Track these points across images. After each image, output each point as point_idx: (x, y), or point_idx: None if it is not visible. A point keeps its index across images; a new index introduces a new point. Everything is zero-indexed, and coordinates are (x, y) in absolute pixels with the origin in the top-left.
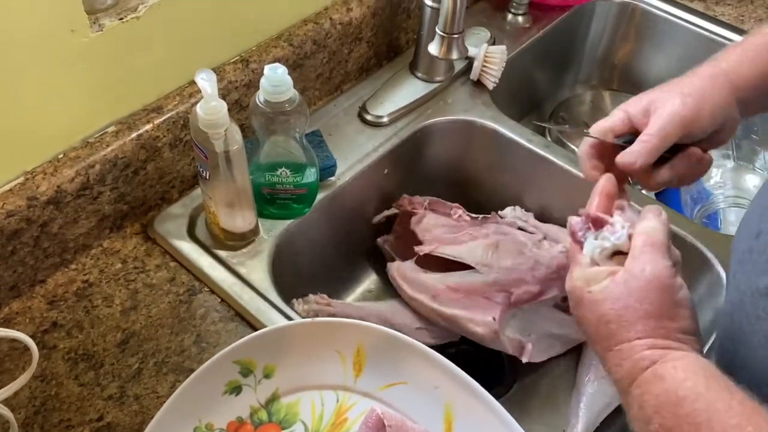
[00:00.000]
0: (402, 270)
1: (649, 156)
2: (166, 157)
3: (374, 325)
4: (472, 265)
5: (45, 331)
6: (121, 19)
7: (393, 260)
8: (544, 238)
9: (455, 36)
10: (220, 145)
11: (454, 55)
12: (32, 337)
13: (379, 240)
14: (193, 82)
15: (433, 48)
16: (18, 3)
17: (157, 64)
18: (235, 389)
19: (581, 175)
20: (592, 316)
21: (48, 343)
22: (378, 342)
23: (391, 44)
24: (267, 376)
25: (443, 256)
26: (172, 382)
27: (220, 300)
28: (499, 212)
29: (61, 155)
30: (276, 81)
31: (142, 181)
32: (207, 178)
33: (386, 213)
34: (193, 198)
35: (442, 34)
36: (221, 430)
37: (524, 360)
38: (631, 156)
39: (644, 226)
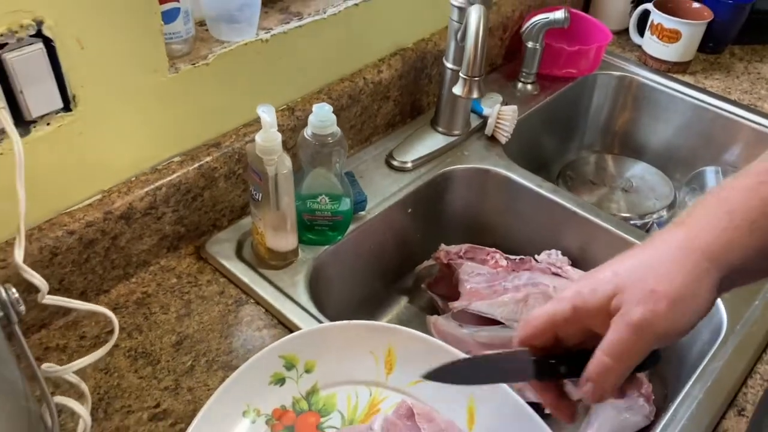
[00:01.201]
0: (438, 325)
1: (612, 382)
2: (221, 187)
3: (404, 328)
4: (502, 321)
5: (109, 332)
6: (193, 64)
7: (438, 305)
8: None
9: (476, 78)
10: (272, 169)
11: (475, 94)
12: (96, 337)
13: (423, 285)
14: (247, 124)
15: (458, 89)
16: (115, 44)
17: (220, 105)
18: (280, 380)
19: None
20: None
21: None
22: (407, 343)
23: (414, 104)
24: (308, 371)
25: (476, 312)
26: (222, 377)
27: (264, 310)
28: (536, 256)
29: (134, 178)
30: (323, 116)
31: (199, 206)
32: (259, 200)
33: (426, 264)
34: (240, 226)
35: (465, 77)
36: (267, 415)
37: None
38: (588, 390)
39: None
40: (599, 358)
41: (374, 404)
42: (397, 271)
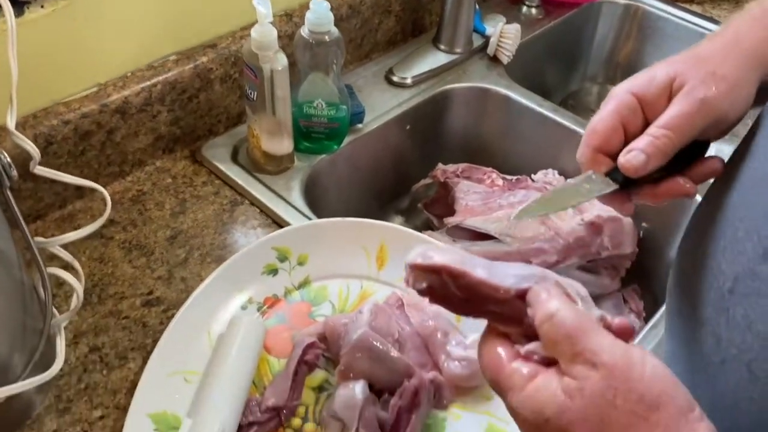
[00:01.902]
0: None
1: (664, 157)
2: (217, 90)
3: (396, 225)
4: (496, 236)
5: (103, 226)
6: None
7: (434, 225)
8: None
9: None
10: (267, 67)
11: None
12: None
13: (420, 205)
14: (245, 27)
15: None
16: None
17: (218, 5)
18: (272, 271)
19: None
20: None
21: (106, 235)
22: (400, 239)
23: (416, 22)
24: (300, 263)
25: (470, 227)
26: (215, 269)
27: (259, 211)
28: (532, 176)
29: (129, 74)
30: (320, 13)
31: (195, 109)
32: (254, 99)
33: (423, 182)
34: (236, 133)
35: None
36: (258, 302)
37: None
38: (637, 159)
39: (549, 314)
40: (652, 130)
41: (365, 296)
42: (393, 191)
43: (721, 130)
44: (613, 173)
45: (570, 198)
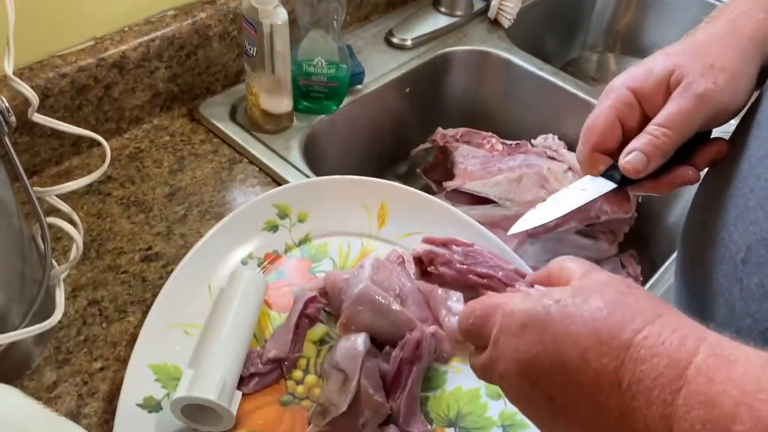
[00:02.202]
0: None
1: (664, 156)
2: (215, 48)
3: (397, 184)
4: (495, 200)
5: (101, 182)
6: None
7: (433, 191)
8: (569, 168)
9: None
10: (267, 22)
11: None
12: (88, 185)
13: (418, 170)
14: None
15: None
16: None
17: None
18: (273, 228)
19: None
20: (580, 323)
21: (103, 191)
22: (401, 198)
23: None
24: (301, 220)
25: (469, 191)
26: (216, 224)
27: (258, 169)
28: (532, 141)
29: (126, 28)
30: None
31: (193, 66)
32: (253, 55)
33: (422, 147)
34: (234, 92)
35: None
36: (259, 258)
37: None
38: (637, 160)
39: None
40: (651, 128)
41: (365, 253)
42: (391, 155)
43: (722, 121)
44: (611, 171)
45: (568, 202)
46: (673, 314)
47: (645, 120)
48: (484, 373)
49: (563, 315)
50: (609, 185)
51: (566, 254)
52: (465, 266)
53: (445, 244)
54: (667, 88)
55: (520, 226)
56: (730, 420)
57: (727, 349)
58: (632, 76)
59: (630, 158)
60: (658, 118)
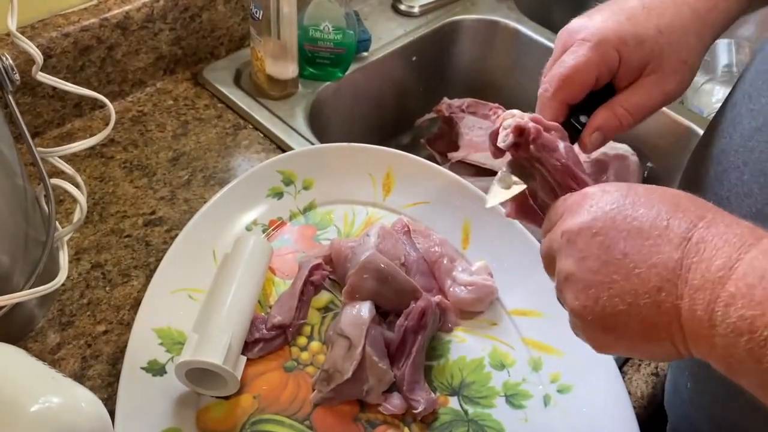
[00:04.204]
0: None
1: (612, 136)
2: (220, 11)
3: (403, 152)
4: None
5: (104, 145)
6: None
7: (437, 162)
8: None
9: None
10: None
11: None
12: (91, 148)
13: (423, 140)
14: None
15: None
16: None
17: None
18: (278, 194)
19: None
20: (661, 191)
21: (106, 154)
22: (406, 166)
23: None
24: (306, 188)
25: (474, 163)
26: (220, 190)
27: (263, 135)
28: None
29: None
30: None
31: (197, 29)
32: (259, 18)
33: (427, 117)
34: (239, 57)
35: None
36: (263, 224)
37: None
38: (599, 141)
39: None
40: (620, 112)
41: (370, 222)
42: (396, 125)
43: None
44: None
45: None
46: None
47: (610, 75)
48: (550, 242)
49: (647, 189)
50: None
51: None
52: (566, 161)
53: (552, 129)
54: (645, 66)
55: (492, 201)
56: None
57: None
58: (622, 39)
59: (593, 139)
60: (628, 101)
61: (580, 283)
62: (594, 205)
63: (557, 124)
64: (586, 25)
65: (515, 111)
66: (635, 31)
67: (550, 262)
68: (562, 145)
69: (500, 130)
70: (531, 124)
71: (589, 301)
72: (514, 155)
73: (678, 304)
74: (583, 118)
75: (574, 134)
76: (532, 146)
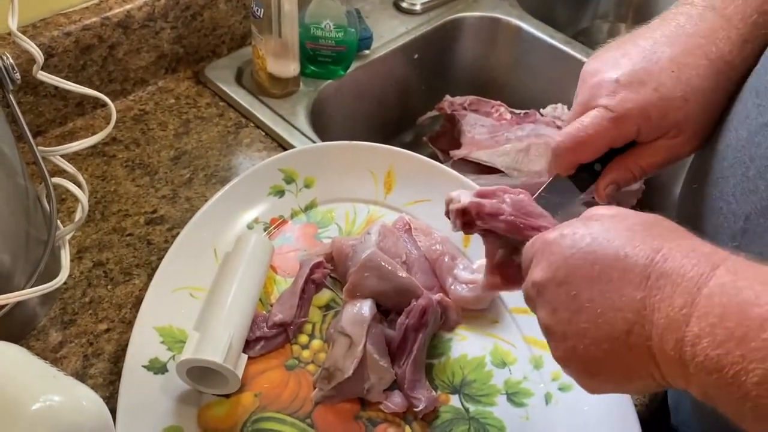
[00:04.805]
0: None
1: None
2: (222, 9)
3: (404, 150)
4: (502, 169)
5: (105, 144)
6: None
7: (439, 160)
8: None
9: None
10: None
11: None
12: (93, 147)
13: (425, 138)
14: None
15: None
16: None
17: None
18: (279, 192)
19: None
20: (617, 228)
21: (108, 153)
22: (408, 164)
23: None
24: (307, 186)
25: (476, 161)
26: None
27: (264, 134)
28: (541, 110)
29: None
30: None
31: (198, 27)
32: (260, 17)
33: (429, 115)
34: (241, 55)
35: None
36: (265, 223)
37: None
38: (613, 193)
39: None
40: (634, 168)
41: (372, 220)
42: (398, 123)
43: None
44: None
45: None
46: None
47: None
48: (527, 291)
49: (602, 225)
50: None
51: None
52: (516, 217)
53: (494, 193)
54: (667, 133)
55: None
56: (749, 304)
57: (757, 262)
58: (645, 114)
59: (608, 191)
60: (645, 161)
61: (556, 334)
62: (555, 253)
63: (497, 188)
64: (613, 79)
65: (453, 194)
66: (661, 104)
67: (532, 309)
68: (506, 203)
69: (450, 216)
70: (468, 203)
71: (568, 352)
72: (469, 232)
73: (649, 344)
74: (597, 166)
75: (589, 179)
76: (478, 222)
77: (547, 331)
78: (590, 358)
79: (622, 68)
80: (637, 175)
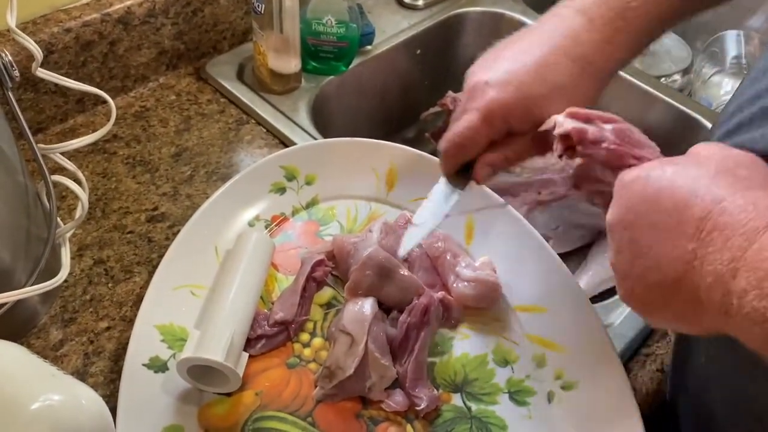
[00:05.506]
0: None
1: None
2: (222, 5)
3: (406, 147)
4: None
5: (106, 141)
6: None
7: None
8: None
9: None
10: None
11: None
12: (94, 144)
13: (427, 134)
14: None
15: None
16: None
17: None
18: (280, 190)
19: None
20: (680, 180)
21: (109, 150)
22: (409, 161)
23: None
24: (308, 183)
25: None
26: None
27: (265, 130)
28: None
29: None
30: None
31: (199, 23)
32: (261, 12)
33: (431, 111)
34: (242, 51)
35: None
36: (266, 220)
37: None
38: (487, 175)
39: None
40: (509, 154)
41: (374, 217)
42: (400, 119)
43: None
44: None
45: (433, 218)
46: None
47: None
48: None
49: (683, 168)
50: (456, 192)
51: (576, 221)
52: (619, 146)
53: (589, 119)
54: (538, 123)
55: (406, 250)
56: None
57: None
58: (508, 111)
59: (483, 171)
60: (516, 145)
61: (618, 273)
62: (625, 196)
63: (596, 113)
64: (483, 81)
65: (558, 118)
66: (523, 102)
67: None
68: (608, 131)
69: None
70: (570, 128)
71: (628, 291)
72: (571, 158)
73: (698, 294)
74: None
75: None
76: (578, 148)
77: (613, 268)
78: (646, 300)
79: (493, 71)
80: (511, 158)
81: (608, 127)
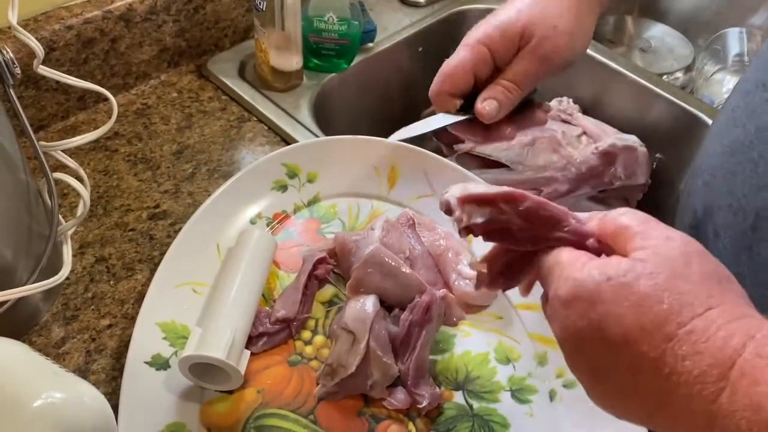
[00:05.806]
0: None
1: (512, 105)
2: (224, 2)
3: (408, 145)
4: (507, 164)
5: (107, 138)
6: None
7: (443, 153)
8: (584, 133)
9: None
10: None
11: None
12: (95, 142)
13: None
14: None
15: None
16: None
17: None
18: (282, 187)
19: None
20: (626, 306)
21: (110, 147)
22: (411, 160)
23: None
24: (310, 180)
25: (480, 155)
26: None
27: (267, 128)
28: (546, 103)
29: None
30: None
31: (201, 20)
32: (263, 9)
33: (433, 108)
34: (243, 48)
35: None
36: (268, 218)
37: None
38: (491, 107)
39: (617, 214)
40: (503, 83)
41: (375, 215)
42: (402, 116)
43: (563, 69)
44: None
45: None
46: (727, 304)
47: (496, 69)
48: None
49: (612, 293)
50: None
51: None
52: (529, 233)
53: (487, 202)
54: (518, 45)
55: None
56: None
57: None
58: (488, 34)
59: (486, 105)
60: (509, 73)
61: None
62: (569, 317)
63: (497, 193)
64: (480, 24)
65: (450, 199)
66: (497, 24)
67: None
68: (511, 215)
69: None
70: (471, 223)
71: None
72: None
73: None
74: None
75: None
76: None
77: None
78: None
79: (493, 16)
80: (510, 90)
81: (510, 211)
